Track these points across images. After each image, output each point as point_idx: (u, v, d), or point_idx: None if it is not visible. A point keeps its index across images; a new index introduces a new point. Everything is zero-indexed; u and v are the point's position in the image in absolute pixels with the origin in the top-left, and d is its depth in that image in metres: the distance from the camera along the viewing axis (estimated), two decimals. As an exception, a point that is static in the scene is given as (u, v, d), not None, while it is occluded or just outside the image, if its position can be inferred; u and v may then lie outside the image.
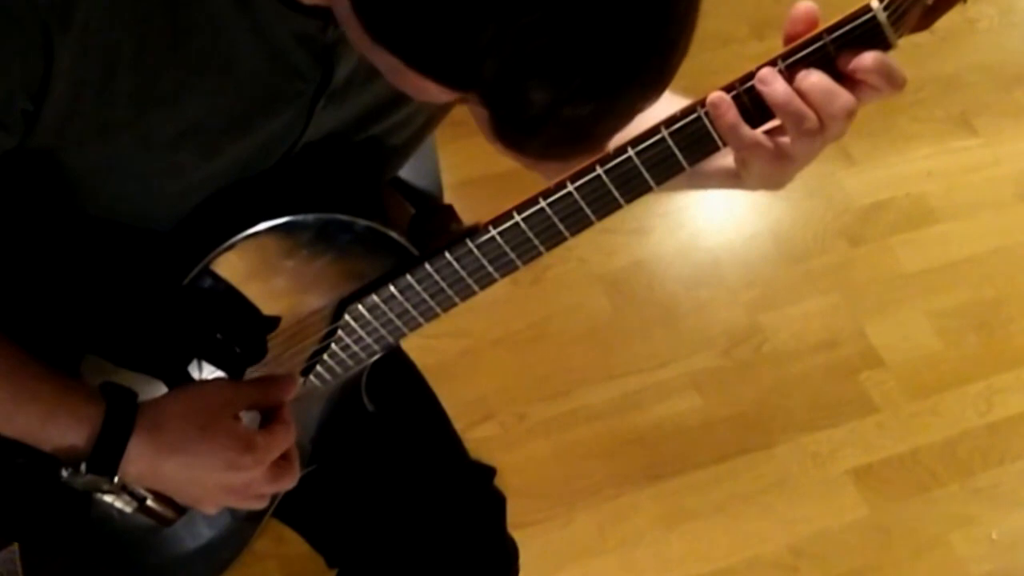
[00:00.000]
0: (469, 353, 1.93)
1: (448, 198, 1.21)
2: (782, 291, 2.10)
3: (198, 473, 0.92)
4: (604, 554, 1.81)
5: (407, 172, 1.12)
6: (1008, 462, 1.97)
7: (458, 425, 1.24)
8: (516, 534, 1.25)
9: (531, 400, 1.92)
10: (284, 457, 0.97)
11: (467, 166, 1.76)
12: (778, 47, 0.79)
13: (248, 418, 0.99)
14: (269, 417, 0.98)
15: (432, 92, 0.67)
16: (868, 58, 0.76)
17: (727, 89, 0.80)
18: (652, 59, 0.65)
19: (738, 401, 1.97)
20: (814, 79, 0.77)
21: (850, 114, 0.78)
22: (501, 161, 0.78)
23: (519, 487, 1.80)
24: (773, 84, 0.78)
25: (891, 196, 2.23)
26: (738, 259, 2.14)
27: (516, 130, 0.67)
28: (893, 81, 0.77)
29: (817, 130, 0.79)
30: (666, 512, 1.85)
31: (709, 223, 2.18)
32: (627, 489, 1.86)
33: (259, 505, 0.99)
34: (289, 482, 0.99)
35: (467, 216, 0.97)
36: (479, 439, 1.83)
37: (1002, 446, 1.98)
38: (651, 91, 0.68)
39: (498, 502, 1.23)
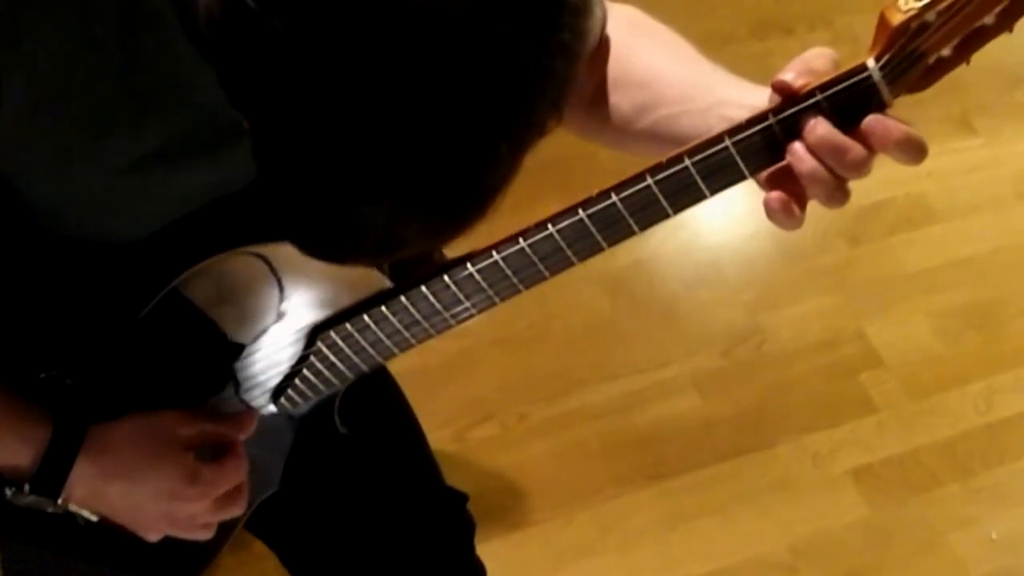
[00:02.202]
0: (469, 353, 1.93)
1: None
2: (782, 291, 2.10)
3: (141, 501, 0.92)
4: (604, 554, 1.81)
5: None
6: (1008, 462, 1.97)
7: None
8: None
9: (531, 400, 1.92)
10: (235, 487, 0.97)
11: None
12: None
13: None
14: (222, 448, 0.97)
15: None
16: (895, 132, 0.72)
17: (731, 132, 0.75)
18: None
19: (738, 401, 1.97)
20: (821, 132, 0.73)
21: (865, 168, 0.73)
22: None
23: (519, 487, 1.81)
24: (799, 153, 0.74)
25: (891, 196, 2.23)
26: (738, 259, 2.14)
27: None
28: (914, 155, 0.72)
29: (835, 185, 0.74)
30: (666, 512, 1.85)
31: (709, 223, 2.18)
32: (627, 489, 1.86)
33: (204, 536, 0.98)
34: (236, 511, 0.98)
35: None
36: (479, 439, 1.83)
37: (1002, 446, 1.98)
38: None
39: (467, 527, 1.22)
